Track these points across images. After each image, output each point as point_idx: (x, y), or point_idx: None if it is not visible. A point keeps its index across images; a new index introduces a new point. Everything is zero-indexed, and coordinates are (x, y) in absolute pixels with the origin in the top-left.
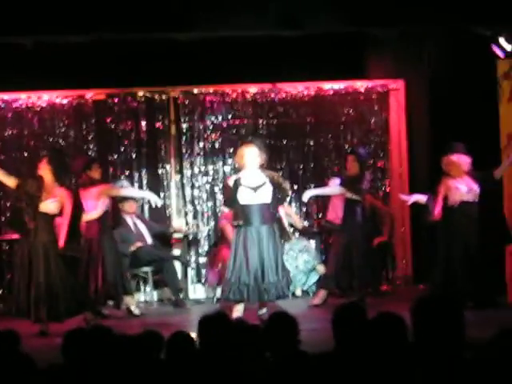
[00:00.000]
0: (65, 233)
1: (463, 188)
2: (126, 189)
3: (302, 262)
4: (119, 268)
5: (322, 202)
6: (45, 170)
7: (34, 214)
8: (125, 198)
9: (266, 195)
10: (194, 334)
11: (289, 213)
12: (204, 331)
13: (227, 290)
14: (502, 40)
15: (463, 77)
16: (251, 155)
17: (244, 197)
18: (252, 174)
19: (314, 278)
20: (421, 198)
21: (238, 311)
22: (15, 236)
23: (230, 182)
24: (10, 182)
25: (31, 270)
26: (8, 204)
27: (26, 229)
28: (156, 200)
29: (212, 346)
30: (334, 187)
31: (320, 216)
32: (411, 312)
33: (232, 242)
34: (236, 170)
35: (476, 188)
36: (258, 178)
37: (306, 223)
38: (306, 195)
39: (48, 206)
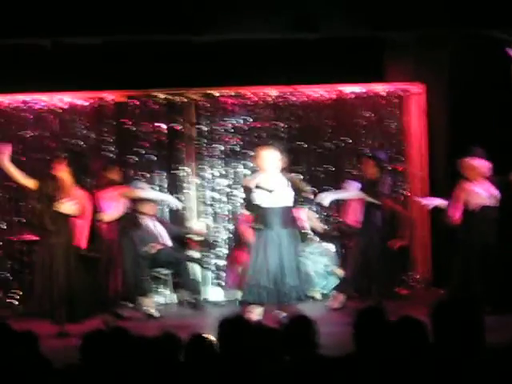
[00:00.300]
0: (86, 234)
1: (482, 192)
2: (147, 191)
3: (321, 265)
4: (138, 270)
5: (342, 205)
6: (64, 172)
7: (54, 215)
8: (145, 200)
9: (286, 198)
10: (212, 337)
11: (309, 216)
12: (223, 334)
13: (247, 292)
14: None
15: (482, 80)
16: (272, 158)
17: (265, 200)
18: (273, 177)
19: (333, 281)
20: (441, 203)
21: (257, 314)
22: (34, 237)
23: (252, 185)
24: (30, 183)
25: (52, 272)
26: (28, 205)
27: (45, 230)
28: (176, 203)
29: (231, 349)
30: (353, 191)
31: (339, 220)
32: (430, 316)
33: (252, 246)
34: (256, 173)
35: (495, 192)
36: (279, 181)
37: (325, 227)
38: (327, 199)
39: (67, 207)
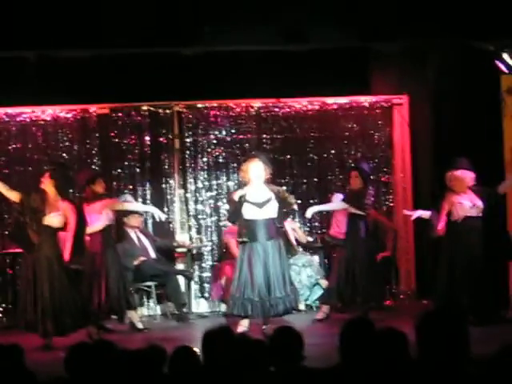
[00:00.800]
0: (70, 246)
1: (467, 203)
2: (130, 203)
3: (305, 276)
4: (122, 282)
5: (326, 217)
6: (48, 185)
7: (38, 227)
8: (129, 212)
9: (271, 210)
10: (197, 349)
11: (293, 227)
12: (208, 346)
13: (232, 305)
14: (505, 55)
15: (467, 91)
16: (256, 170)
17: (249, 212)
18: (257, 189)
19: (317, 292)
20: (424, 214)
21: (243, 326)
22: (18, 249)
23: (236, 197)
24: (13, 196)
25: (36, 285)
26: (11, 218)
27: (29, 243)
28: (160, 214)
29: (216, 361)
30: (337, 203)
31: (323, 231)
32: (415, 327)
33: (237, 258)
34: (241, 185)
35: (480, 203)
36: (264, 193)
37: (309, 238)
38: (310, 211)
39: (52, 219)
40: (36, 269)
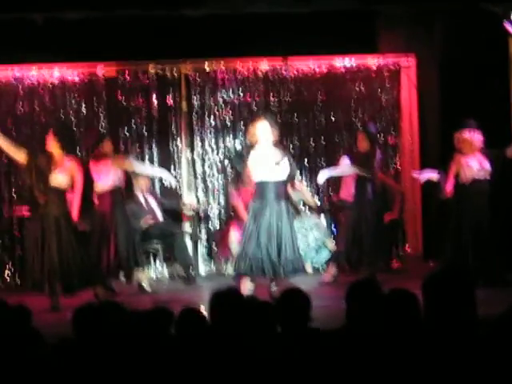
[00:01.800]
0: (77, 205)
1: (475, 165)
2: (142, 165)
3: (312, 238)
4: (131, 242)
5: (333, 179)
6: (52, 144)
7: (45, 188)
8: (138, 174)
9: (282, 172)
10: (204, 310)
11: (301, 189)
12: (215, 307)
13: (238, 264)
14: None
15: (475, 54)
16: (264, 131)
17: (260, 174)
18: (267, 150)
19: (324, 254)
20: (432, 176)
21: (248, 288)
22: (25, 212)
23: (248, 159)
24: (20, 156)
25: (44, 244)
26: (18, 180)
27: (36, 204)
28: (171, 180)
29: (223, 322)
30: (345, 167)
31: (331, 193)
32: (422, 289)
33: (247, 219)
34: (248, 148)
35: (487, 166)
36: (274, 155)
37: (317, 200)
38: (321, 177)
39: (58, 179)
40: (44, 229)
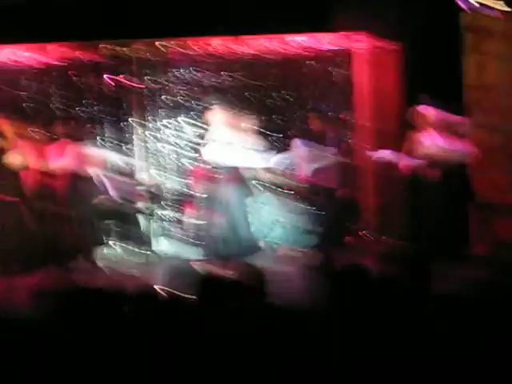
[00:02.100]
0: (31, 184)
1: (427, 141)
2: (95, 149)
3: (265, 214)
4: (87, 222)
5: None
6: (4, 125)
7: (0, 168)
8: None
9: (235, 153)
10: (158, 287)
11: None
12: (173, 283)
13: (197, 246)
14: None
15: (428, 28)
16: (217, 115)
17: (216, 154)
18: (221, 132)
19: (278, 231)
20: (386, 154)
21: (206, 267)
22: None
23: (206, 139)
24: None
25: (2, 225)
26: None
27: None
28: (121, 160)
29: (181, 298)
30: (300, 149)
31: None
32: (379, 263)
33: (202, 199)
34: (204, 129)
35: (440, 141)
36: (227, 137)
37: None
38: (277, 164)
39: (13, 158)
40: (2, 209)
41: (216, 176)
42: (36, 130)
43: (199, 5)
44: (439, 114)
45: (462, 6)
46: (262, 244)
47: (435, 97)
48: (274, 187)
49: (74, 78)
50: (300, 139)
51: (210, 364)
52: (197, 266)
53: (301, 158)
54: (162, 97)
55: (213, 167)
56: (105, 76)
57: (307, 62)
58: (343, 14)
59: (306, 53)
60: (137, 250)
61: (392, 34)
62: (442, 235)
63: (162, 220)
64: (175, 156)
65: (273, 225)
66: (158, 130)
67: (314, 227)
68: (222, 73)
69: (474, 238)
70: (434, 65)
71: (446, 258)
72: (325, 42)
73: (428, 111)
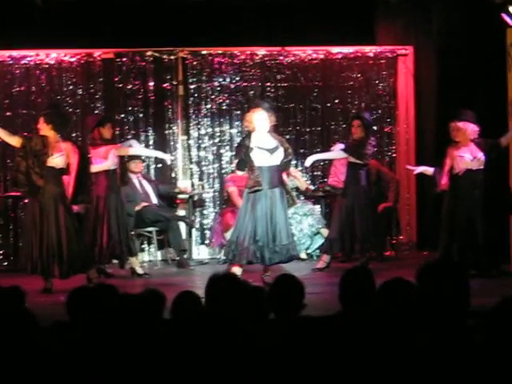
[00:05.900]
0: (72, 186)
1: (468, 156)
2: (135, 148)
3: (306, 225)
4: (125, 227)
5: (327, 166)
6: (45, 129)
7: (41, 170)
8: (131, 158)
9: (278, 158)
10: (199, 294)
11: (295, 175)
12: (211, 291)
13: (230, 252)
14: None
15: (472, 44)
16: (260, 119)
17: (258, 159)
18: (263, 137)
19: (318, 241)
20: (427, 170)
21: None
22: (19, 193)
23: (247, 144)
24: (15, 141)
25: (42, 227)
26: (14, 162)
27: (34, 186)
28: (166, 157)
29: (217, 306)
30: (336, 152)
31: (325, 180)
32: (416, 278)
33: (241, 205)
34: (245, 134)
35: (481, 156)
36: (271, 141)
37: (310, 186)
38: (309, 160)
39: (55, 160)
40: (42, 211)
41: (258, 184)
42: (79, 134)
43: (246, 15)
44: (480, 130)
45: (508, 22)
46: (302, 255)
47: (478, 112)
48: (314, 197)
49: (119, 84)
50: (341, 143)
51: (246, 376)
52: (235, 275)
53: (338, 162)
54: (206, 104)
55: (255, 175)
56: (150, 82)
57: (353, 75)
58: (389, 28)
59: (351, 64)
60: (176, 257)
61: (437, 50)
62: (482, 249)
63: (199, 226)
64: (217, 164)
65: (314, 235)
66: (201, 137)
67: (352, 238)
68: (266, 82)
69: None
70: (478, 80)
71: (487, 273)
72: (369, 53)
73: (469, 126)
